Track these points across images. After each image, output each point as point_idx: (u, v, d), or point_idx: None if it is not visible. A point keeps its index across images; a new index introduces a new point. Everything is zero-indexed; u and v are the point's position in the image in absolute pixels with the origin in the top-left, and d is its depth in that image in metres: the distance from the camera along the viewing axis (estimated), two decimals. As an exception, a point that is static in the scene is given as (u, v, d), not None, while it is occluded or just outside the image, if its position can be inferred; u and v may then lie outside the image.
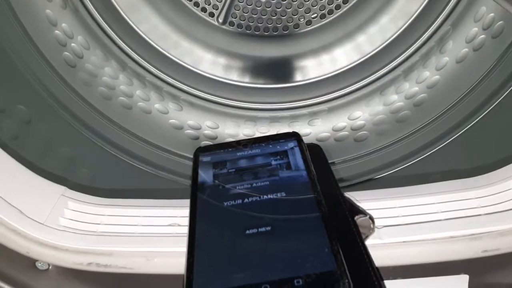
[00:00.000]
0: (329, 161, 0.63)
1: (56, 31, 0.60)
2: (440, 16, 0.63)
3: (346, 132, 0.67)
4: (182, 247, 0.28)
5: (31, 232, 0.43)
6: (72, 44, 0.61)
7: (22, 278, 0.43)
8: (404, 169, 0.60)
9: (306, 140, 0.67)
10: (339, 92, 0.69)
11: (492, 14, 0.57)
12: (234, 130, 0.69)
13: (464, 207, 0.43)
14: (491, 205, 0.43)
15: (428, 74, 0.63)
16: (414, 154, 0.61)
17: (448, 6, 0.62)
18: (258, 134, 0.69)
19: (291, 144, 0.37)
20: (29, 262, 0.44)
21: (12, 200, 0.44)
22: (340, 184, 0.59)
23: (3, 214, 0.42)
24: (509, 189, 0.43)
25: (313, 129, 0.68)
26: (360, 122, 0.67)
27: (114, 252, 0.43)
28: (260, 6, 0.66)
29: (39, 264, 0.44)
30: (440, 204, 0.44)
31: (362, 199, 0.42)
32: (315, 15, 0.67)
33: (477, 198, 0.44)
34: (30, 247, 0.43)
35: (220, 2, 0.66)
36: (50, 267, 0.45)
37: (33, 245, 0.43)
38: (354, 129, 0.66)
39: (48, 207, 0.47)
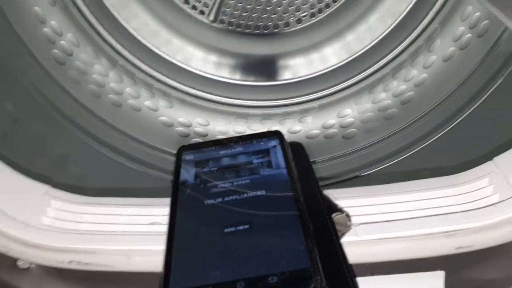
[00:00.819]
0: (319, 159, 0.64)
1: (45, 29, 0.60)
2: (429, 15, 0.63)
3: (335, 130, 0.67)
4: (162, 246, 0.29)
5: (11, 231, 0.43)
6: (61, 42, 0.62)
7: (3, 277, 0.43)
8: (391, 166, 0.61)
9: (296, 137, 0.68)
10: (329, 90, 0.69)
11: (477, 14, 0.58)
12: (225, 127, 0.69)
13: (441, 204, 0.44)
14: (466, 203, 0.44)
15: (416, 73, 0.64)
16: (401, 151, 0.61)
17: (436, 5, 0.63)
18: (249, 131, 0.70)
19: (273, 143, 0.38)
20: (10, 261, 0.45)
21: (-8, 199, 0.44)
22: (328, 182, 0.61)
23: (-17, 214, 0.43)
24: (483, 187, 0.45)
25: (304, 126, 0.69)
26: (349, 120, 0.67)
27: (95, 251, 0.43)
28: (250, 4, 0.66)
29: (21, 263, 0.45)
30: (418, 202, 0.45)
31: (343, 196, 0.43)
32: (305, 13, 0.67)
33: (454, 195, 0.45)
34: (10, 246, 0.44)
35: (210, 0, 0.66)
36: (32, 266, 0.45)
37: (14, 244, 0.43)
38: (343, 127, 0.67)
39: (30, 206, 0.47)
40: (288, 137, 0.42)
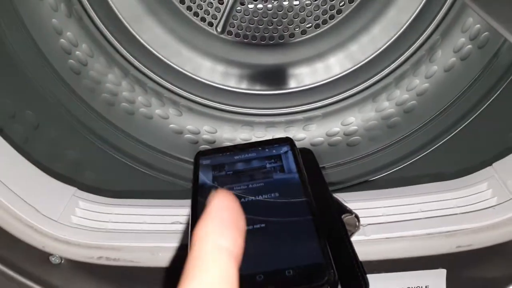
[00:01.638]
0: (323, 165, 0.65)
1: (62, 40, 0.62)
2: (430, 27, 0.65)
3: (339, 137, 0.68)
4: (184, 243, 0.31)
5: (46, 228, 0.47)
6: (77, 52, 0.64)
7: (37, 272, 0.46)
8: (394, 172, 0.62)
9: (300, 144, 0.70)
10: (333, 99, 0.71)
11: (478, 26, 0.60)
12: (231, 134, 0.71)
13: (442, 207, 0.46)
14: (466, 205, 0.46)
15: (418, 82, 0.65)
16: (403, 159, 0.63)
17: (437, 17, 0.64)
18: (254, 139, 0.71)
19: (285, 149, 0.39)
20: (44, 257, 0.47)
21: (28, 199, 0.47)
22: (333, 187, 0.62)
23: (21, 212, 0.46)
24: (481, 191, 0.47)
25: (308, 134, 0.70)
26: (353, 128, 0.68)
27: (122, 247, 0.46)
28: (257, 16, 0.68)
29: (53, 259, 0.47)
30: (420, 204, 0.47)
31: (351, 199, 0.45)
32: (310, 25, 0.68)
33: (454, 199, 0.47)
34: (45, 242, 0.47)
35: (218, 12, 0.67)
36: (63, 261, 0.48)
37: (48, 240, 0.47)
38: (347, 134, 0.68)
39: (61, 206, 0.50)
40: (293, 144, 0.44)
